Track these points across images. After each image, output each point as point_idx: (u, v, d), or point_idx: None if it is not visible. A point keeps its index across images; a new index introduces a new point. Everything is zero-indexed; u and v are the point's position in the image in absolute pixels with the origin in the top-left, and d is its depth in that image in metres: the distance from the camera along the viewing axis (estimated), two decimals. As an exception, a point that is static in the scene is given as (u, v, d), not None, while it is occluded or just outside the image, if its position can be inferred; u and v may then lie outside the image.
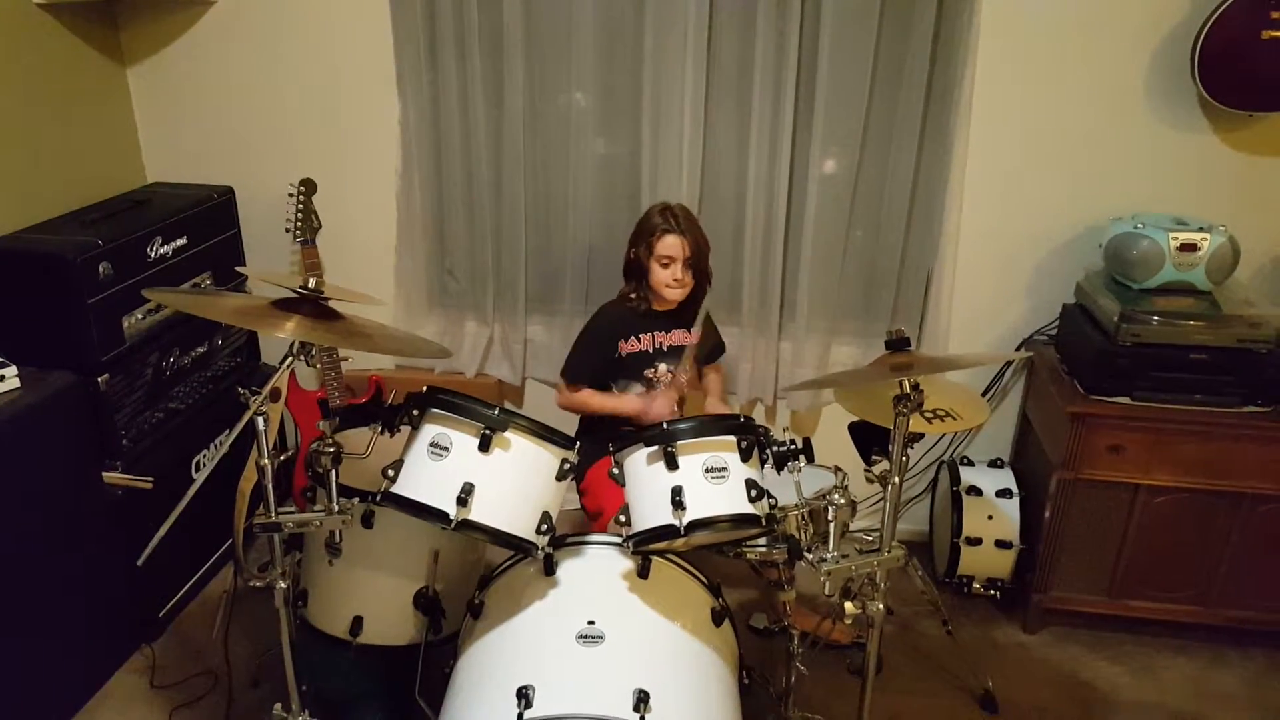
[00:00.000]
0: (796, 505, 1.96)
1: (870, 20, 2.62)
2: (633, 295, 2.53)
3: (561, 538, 1.94)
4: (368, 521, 2.03)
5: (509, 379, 3.18)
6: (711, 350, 2.74)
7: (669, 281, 2.44)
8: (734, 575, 2.76)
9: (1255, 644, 2.72)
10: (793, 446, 1.85)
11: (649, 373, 2.54)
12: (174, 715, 2.41)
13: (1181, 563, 2.63)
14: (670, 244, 2.41)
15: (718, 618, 1.94)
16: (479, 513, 1.73)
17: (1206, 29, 2.47)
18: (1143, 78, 2.65)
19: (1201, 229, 2.54)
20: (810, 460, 1.90)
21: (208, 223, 2.87)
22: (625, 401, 2.51)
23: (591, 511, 2.44)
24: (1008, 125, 2.73)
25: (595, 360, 2.55)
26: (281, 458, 1.77)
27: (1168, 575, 2.65)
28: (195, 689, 2.48)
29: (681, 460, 1.76)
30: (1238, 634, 2.71)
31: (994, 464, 2.97)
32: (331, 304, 1.76)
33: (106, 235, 2.47)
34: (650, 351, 2.54)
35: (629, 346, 2.53)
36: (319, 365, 2.81)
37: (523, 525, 1.78)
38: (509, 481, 1.78)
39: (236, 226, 3.03)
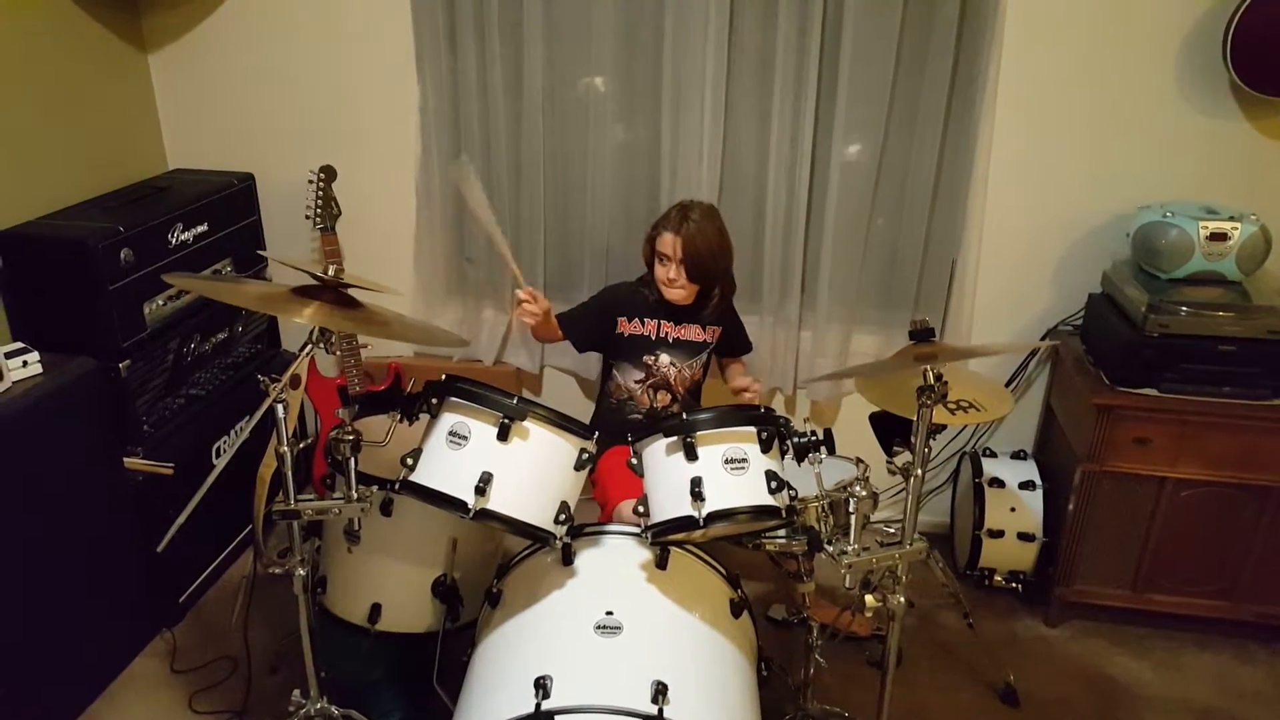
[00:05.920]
0: (817, 497, 1.95)
1: (894, 3, 2.58)
2: (645, 283, 2.51)
3: (580, 527, 1.94)
4: (386, 509, 2.04)
5: (527, 367, 3.17)
6: (734, 346, 2.70)
7: (664, 279, 2.41)
8: (753, 567, 2.75)
9: (1282, 640, 2.69)
10: (813, 437, 1.83)
11: (648, 359, 2.51)
12: (194, 699, 2.43)
13: (1207, 557, 2.59)
14: (665, 241, 2.38)
15: (736, 609, 1.93)
16: (497, 502, 1.73)
17: (1240, 12, 2.41)
18: (1172, 63, 2.59)
19: (1232, 218, 2.49)
20: (831, 451, 1.88)
21: (228, 209, 2.88)
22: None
23: (599, 501, 2.43)
24: (1033, 110, 2.68)
25: (585, 323, 2.55)
26: (301, 445, 1.78)
27: (1193, 569, 2.62)
28: (215, 673, 2.50)
29: (701, 451, 1.75)
30: (1264, 630, 2.67)
31: (1017, 455, 2.93)
32: (351, 291, 1.76)
33: (128, 222, 2.48)
34: (653, 338, 2.51)
35: (630, 328, 2.51)
36: (338, 352, 2.81)
37: (541, 515, 1.78)
38: (527, 471, 1.77)
39: (257, 213, 3.04)
